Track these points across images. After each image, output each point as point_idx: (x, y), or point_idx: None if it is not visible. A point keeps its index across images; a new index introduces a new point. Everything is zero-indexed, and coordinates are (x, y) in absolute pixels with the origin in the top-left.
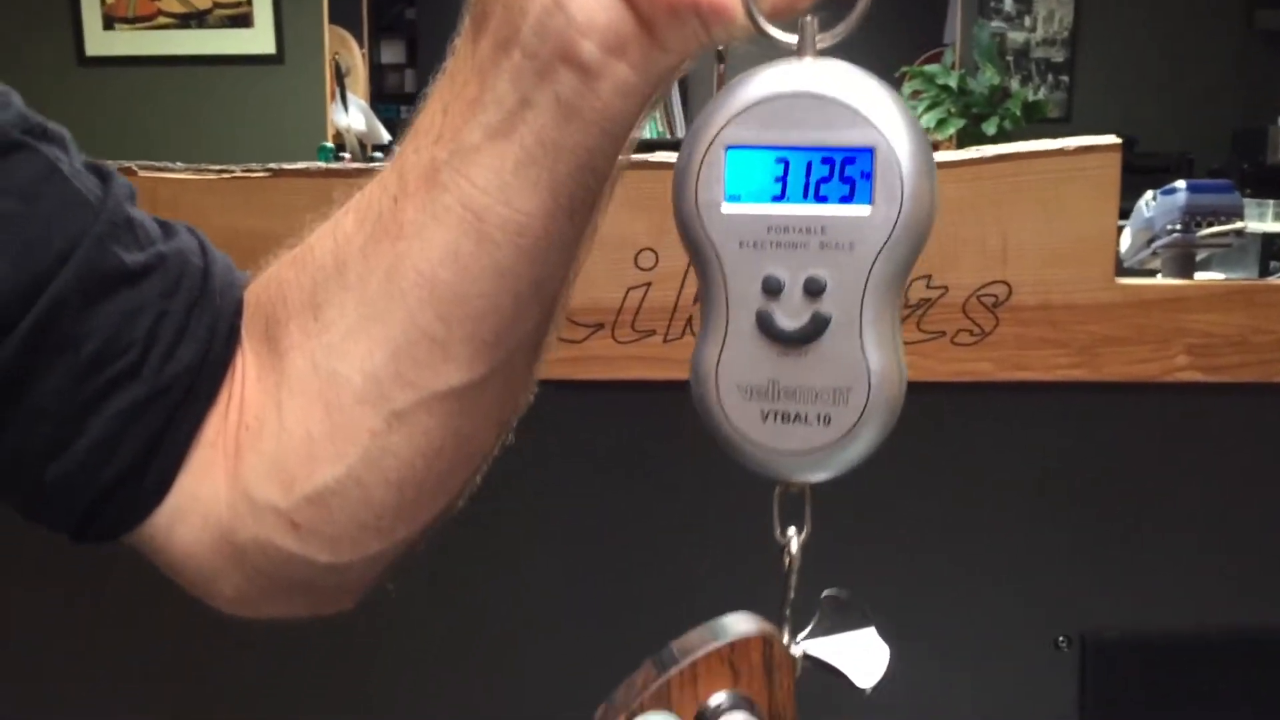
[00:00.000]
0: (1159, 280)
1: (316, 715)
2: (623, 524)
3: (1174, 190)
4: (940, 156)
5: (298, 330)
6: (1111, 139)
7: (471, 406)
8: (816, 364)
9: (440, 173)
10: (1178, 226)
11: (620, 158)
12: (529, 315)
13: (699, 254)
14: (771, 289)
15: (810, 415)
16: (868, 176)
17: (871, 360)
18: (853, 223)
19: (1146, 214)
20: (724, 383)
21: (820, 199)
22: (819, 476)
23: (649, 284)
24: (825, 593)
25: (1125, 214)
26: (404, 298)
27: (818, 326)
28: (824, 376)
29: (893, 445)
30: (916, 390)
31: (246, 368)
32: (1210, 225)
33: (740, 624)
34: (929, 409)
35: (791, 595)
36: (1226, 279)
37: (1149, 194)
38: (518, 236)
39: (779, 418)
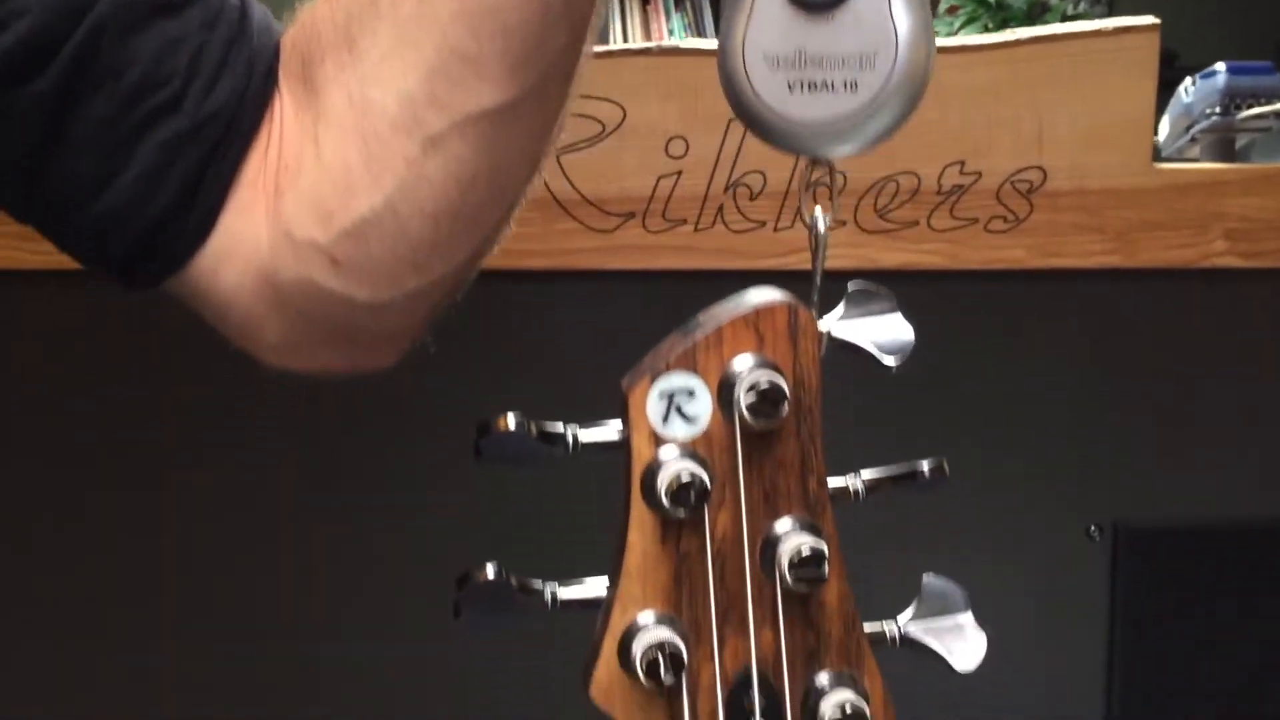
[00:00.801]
0: (1197, 165)
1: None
2: None
3: (1213, 73)
4: (973, 39)
5: (333, 65)
6: (1149, 19)
7: (504, 133)
8: (843, 29)
9: None
10: (1216, 110)
11: None
12: (558, 32)
13: None
14: None
15: (837, 83)
16: None
17: (899, 24)
18: None
19: (1185, 99)
20: (750, 55)
21: None
22: (846, 149)
23: (680, 172)
24: (851, 283)
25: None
26: (436, 17)
27: None
28: (851, 42)
29: (925, 333)
30: (949, 278)
31: (285, 109)
32: (1250, 108)
33: (766, 294)
34: (961, 297)
35: (819, 280)
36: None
37: (1187, 80)
38: None
39: (806, 87)
